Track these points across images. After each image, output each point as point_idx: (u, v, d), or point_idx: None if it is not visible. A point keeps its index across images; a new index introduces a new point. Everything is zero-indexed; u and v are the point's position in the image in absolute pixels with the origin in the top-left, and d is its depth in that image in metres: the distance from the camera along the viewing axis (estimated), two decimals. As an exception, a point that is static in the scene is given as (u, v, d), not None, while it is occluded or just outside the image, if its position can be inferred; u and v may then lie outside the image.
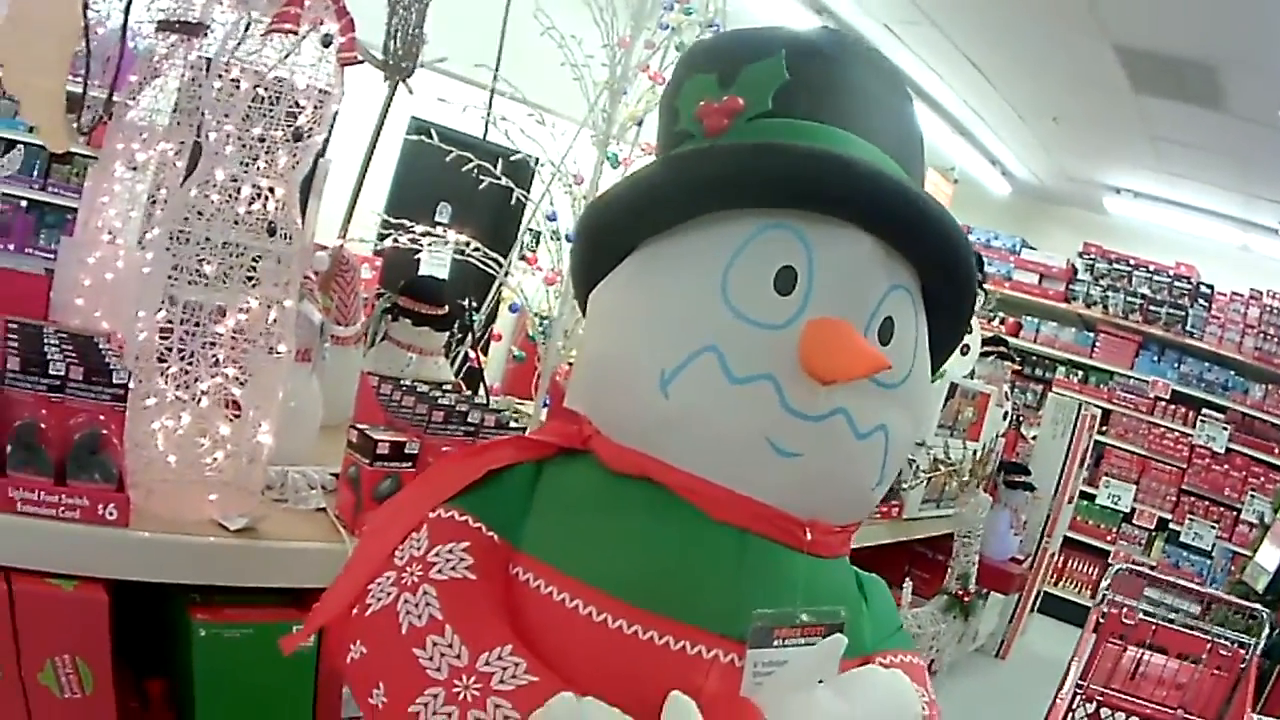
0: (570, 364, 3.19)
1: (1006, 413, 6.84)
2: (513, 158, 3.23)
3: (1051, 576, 10.11)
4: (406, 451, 2.27)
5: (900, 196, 1.46)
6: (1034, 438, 8.66)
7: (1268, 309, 10.48)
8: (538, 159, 3.29)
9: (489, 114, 3.18)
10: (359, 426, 2.31)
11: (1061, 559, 10.55)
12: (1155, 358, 11.09)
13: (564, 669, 1.34)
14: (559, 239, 3.24)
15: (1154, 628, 4.57)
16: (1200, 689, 4.34)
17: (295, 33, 2.00)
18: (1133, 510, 11.04)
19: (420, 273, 3.71)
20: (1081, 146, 9.58)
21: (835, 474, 1.48)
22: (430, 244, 3.30)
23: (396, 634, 1.38)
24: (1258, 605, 4.69)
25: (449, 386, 2.88)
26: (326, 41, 2.07)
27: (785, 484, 1.44)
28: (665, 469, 1.44)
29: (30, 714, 1.89)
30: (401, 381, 2.66)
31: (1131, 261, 11.13)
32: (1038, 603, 9.43)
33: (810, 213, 1.44)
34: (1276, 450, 10.25)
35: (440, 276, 3.60)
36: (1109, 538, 11.04)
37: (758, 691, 1.34)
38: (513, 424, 2.63)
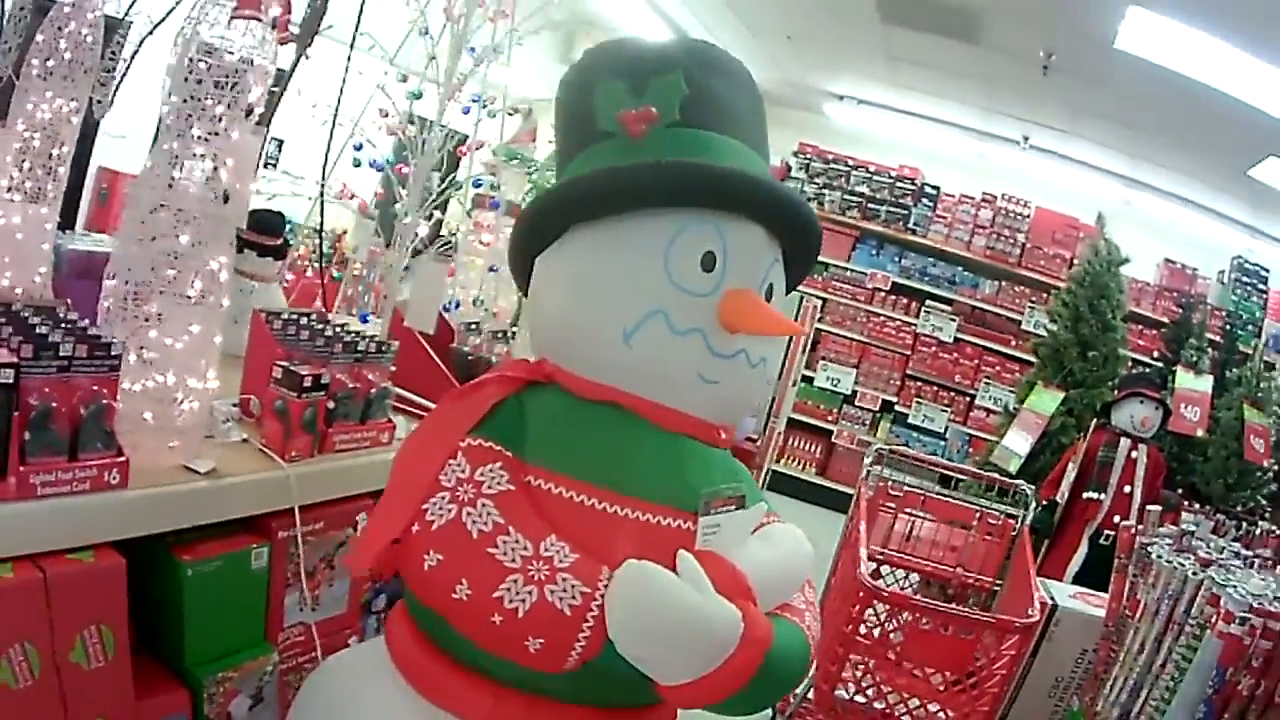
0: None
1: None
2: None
3: (774, 454, 10.60)
4: (322, 382, 2.56)
5: (783, 199, 2.03)
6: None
7: (1001, 211, 11.11)
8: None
9: (347, 70, 3.37)
10: (283, 364, 2.53)
11: (784, 438, 11.09)
12: (874, 252, 11.60)
13: (574, 546, 1.78)
14: (360, 165, 3.56)
15: (923, 497, 4.98)
16: (975, 552, 4.80)
17: (259, 19, 2.16)
18: (854, 393, 11.61)
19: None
20: (813, 62, 9.83)
21: (739, 393, 2.08)
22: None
23: (468, 540, 1.76)
24: (1021, 481, 5.15)
25: (315, 315, 3.06)
26: (274, 24, 2.23)
27: (708, 401, 2.00)
28: (626, 396, 1.95)
29: (65, 696, 2.01)
30: (282, 315, 2.83)
31: (850, 162, 11.60)
32: (766, 480, 9.89)
33: (723, 212, 1.94)
34: (1013, 342, 10.91)
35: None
36: (830, 418, 11.62)
37: (708, 546, 1.85)
38: (386, 349, 2.89)
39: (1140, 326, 10.29)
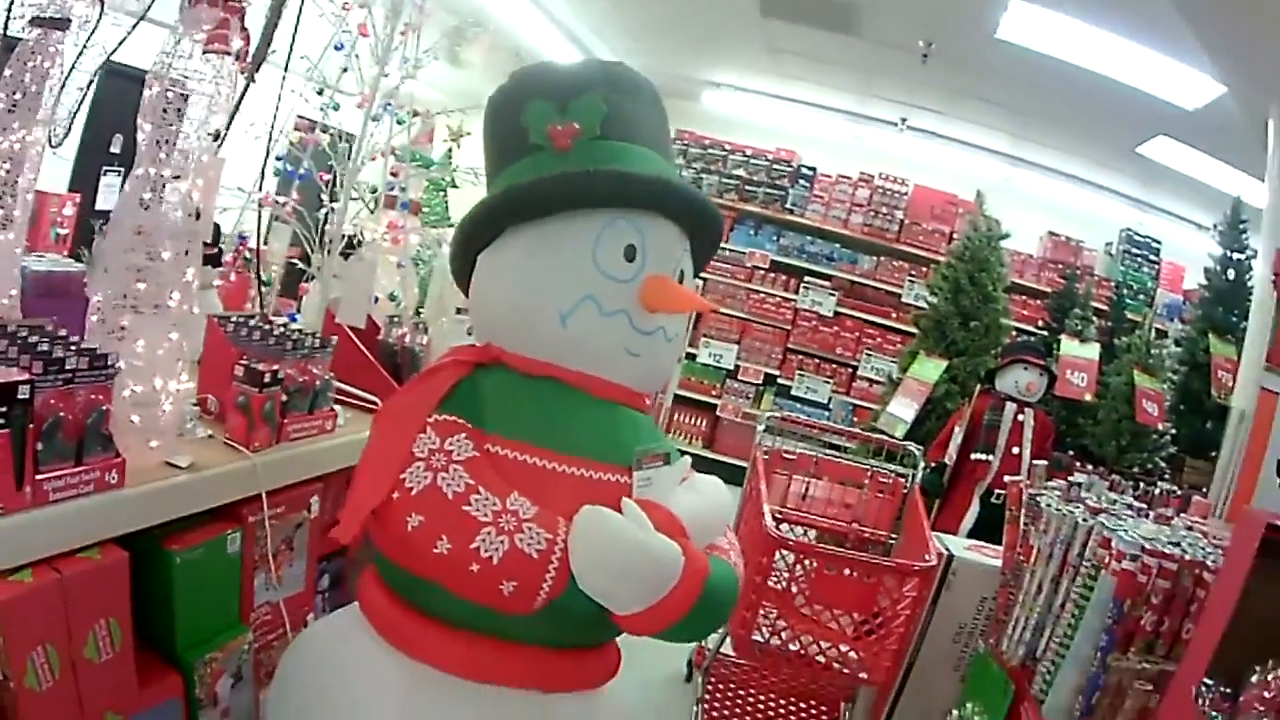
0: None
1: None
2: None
3: (662, 429, 10.77)
4: (279, 377, 2.78)
5: (692, 200, 2.37)
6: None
7: (878, 190, 11.42)
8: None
9: (281, 89, 3.56)
10: (244, 362, 2.74)
11: (671, 414, 11.35)
12: (752, 231, 11.82)
13: (532, 501, 2.08)
14: (281, 174, 3.83)
15: (815, 459, 5.28)
16: (869, 508, 5.13)
17: (228, 52, 2.35)
18: (737, 367, 11.85)
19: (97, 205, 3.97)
20: (693, 54, 10.02)
21: (659, 365, 2.42)
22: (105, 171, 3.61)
23: (444, 500, 2.03)
24: (910, 442, 5.46)
25: (258, 317, 3.28)
26: (239, 55, 2.42)
27: (633, 372, 2.34)
28: (564, 370, 2.26)
29: (79, 692, 2.18)
30: (232, 318, 3.03)
31: (727, 146, 11.84)
32: (654, 454, 10.12)
33: (641, 211, 2.27)
34: (894, 315, 11.22)
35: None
36: (714, 393, 11.86)
37: (643, 495, 2.17)
38: (326, 344, 3.12)
39: (1024, 297, 10.71)
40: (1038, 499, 3.36)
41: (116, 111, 3.01)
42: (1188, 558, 2.68)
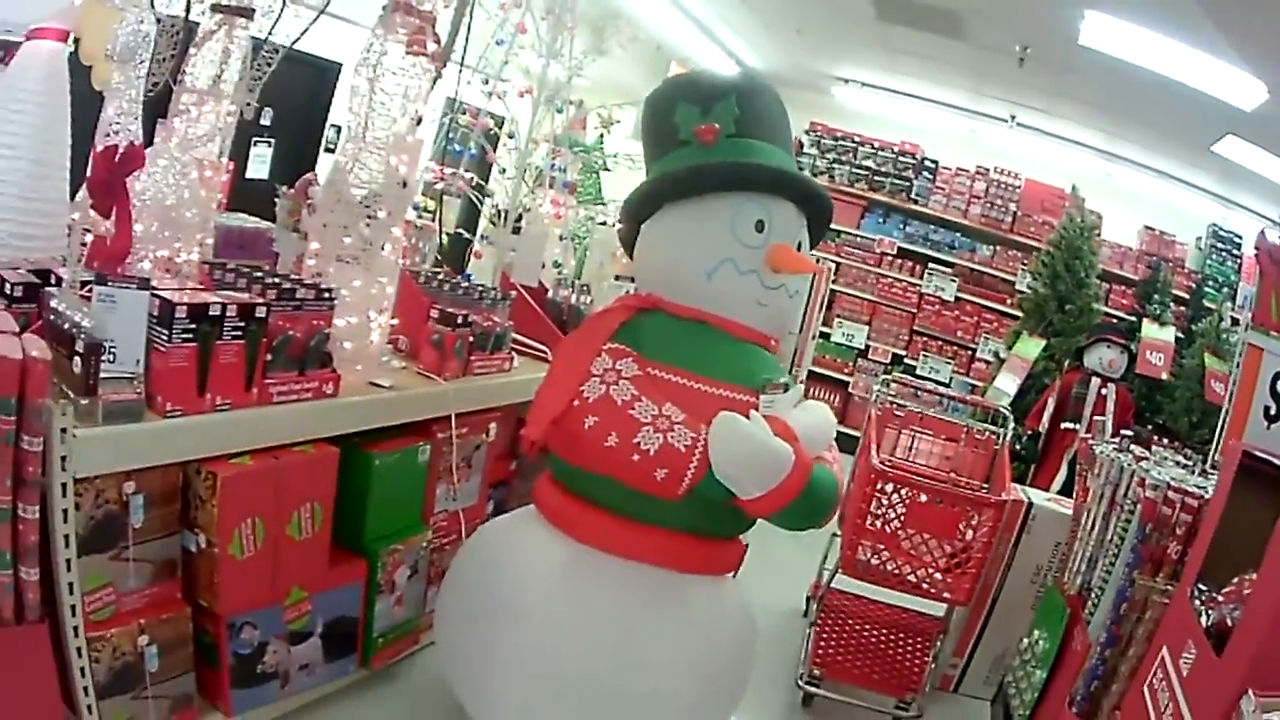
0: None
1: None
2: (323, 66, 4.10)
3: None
4: (469, 320, 3.19)
5: (807, 188, 2.80)
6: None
7: (993, 183, 11.38)
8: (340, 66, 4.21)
9: (459, 80, 3.96)
10: (439, 307, 3.15)
11: (806, 389, 11.37)
12: (881, 219, 11.79)
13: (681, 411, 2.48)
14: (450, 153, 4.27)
15: (920, 416, 5.61)
16: (964, 460, 5.40)
17: (426, 54, 2.74)
18: (867, 347, 11.85)
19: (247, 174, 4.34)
20: (820, 52, 10.08)
21: (783, 314, 2.85)
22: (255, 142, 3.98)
23: (614, 406, 2.46)
24: (1002, 405, 5.68)
25: (444, 272, 3.72)
26: (431, 56, 2.81)
27: (763, 319, 2.76)
28: (709, 315, 2.69)
29: (275, 565, 2.57)
30: (422, 273, 3.47)
31: (857, 138, 11.80)
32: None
33: (768, 194, 2.70)
34: (1009, 301, 11.04)
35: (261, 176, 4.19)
36: (846, 370, 11.84)
37: (766, 412, 2.51)
38: (505, 297, 3.55)
39: (1122, 286, 10.56)
40: (1095, 448, 3.66)
41: (267, 87, 3.36)
42: (1207, 496, 2.90)
